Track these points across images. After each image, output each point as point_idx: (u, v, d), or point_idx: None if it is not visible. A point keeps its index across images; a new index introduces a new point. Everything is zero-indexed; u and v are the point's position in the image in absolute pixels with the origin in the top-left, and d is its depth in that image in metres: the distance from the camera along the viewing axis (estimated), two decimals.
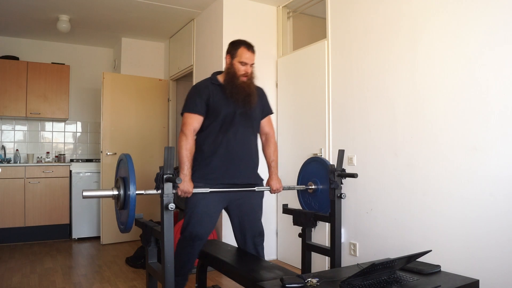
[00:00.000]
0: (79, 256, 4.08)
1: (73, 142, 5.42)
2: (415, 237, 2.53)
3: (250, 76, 2.50)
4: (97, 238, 4.70)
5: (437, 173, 2.42)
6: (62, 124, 5.34)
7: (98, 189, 1.83)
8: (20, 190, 4.52)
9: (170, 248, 1.97)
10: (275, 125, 3.96)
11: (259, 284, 1.71)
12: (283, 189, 2.63)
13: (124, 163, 2.01)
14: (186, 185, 2.28)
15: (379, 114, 2.83)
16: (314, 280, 1.69)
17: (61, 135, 5.35)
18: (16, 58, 4.87)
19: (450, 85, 2.36)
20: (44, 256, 3.97)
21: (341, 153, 2.46)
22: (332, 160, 3.24)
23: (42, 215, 4.61)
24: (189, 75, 4.59)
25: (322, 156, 3.33)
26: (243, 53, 2.47)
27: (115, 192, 1.96)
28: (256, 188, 2.48)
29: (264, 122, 2.63)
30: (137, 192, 1.90)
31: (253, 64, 2.53)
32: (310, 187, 2.71)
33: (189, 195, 2.28)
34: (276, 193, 2.78)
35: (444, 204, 2.37)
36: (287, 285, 1.64)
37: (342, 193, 2.42)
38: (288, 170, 3.78)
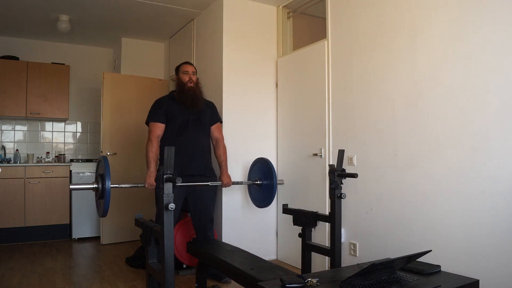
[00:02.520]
0: (79, 256, 4.08)
1: (73, 142, 5.42)
2: (415, 237, 2.53)
3: (195, 82, 3.22)
4: (97, 238, 4.69)
5: (437, 173, 2.42)
6: (62, 124, 5.34)
7: (82, 183, 2.80)
8: (20, 190, 4.52)
9: (170, 248, 1.97)
10: (275, 125, 3.96)
11: (259, 284, 1.71)
12: (233, 183, 3.28)
13: (102, 163, 2.50)
14: (152, 179, 2.95)
15: (379, 114, 2.83)
16: (314, 280, 1.69)
17: (61, 135, 5.35)
18: (16, 58, 4.87)
19: (450, 85, 2.36)
20: (44, 256, 3.97)
21: (341, 153, 2.46)
22: (332, 160, 3.24)
23: (42, 215, 4.61)
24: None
25: (322, 156, 3.33)
26: (183, 67, 3.25)
27: (95, 186, 2.50)
28: (210, 183, 3.14)
29: (213, 128, 3.31)
30: (112, 185, 2.49)
31: (194, 72, 3.24)
32: (256, 182, 3.36)
33: (154, 187, 2.88)
34: (226, 187, 3.30)
35: (444, 204, 2.37)
36: (287, 285, 1.64)
37: (342, 193, 2.43)
38: (289, 170, 3.78)
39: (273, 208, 3.91)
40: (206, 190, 3.19)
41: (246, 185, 3.61)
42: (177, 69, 3.31)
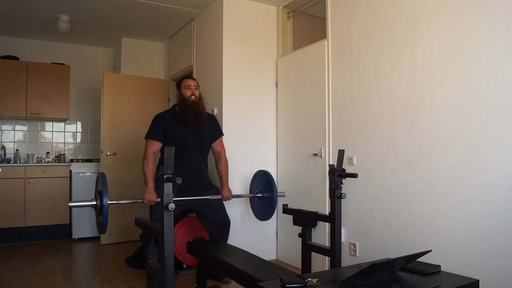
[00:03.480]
0: (79, 256, 4.08)
1: (73, 142, 5.42)
2: (415, 237, 2.53)
3: (198, 97, 3.18)
4: (97, 238, 4.70)
5: (437, 173, 2.42)
6: (62, 124, 5.34)
7: (81, 201, 2.69)
8: (20, 190, 4.52)
9: (170, 248, 1.97)
10: (275, 125, 3.96)
11: (259, 284, 1.71)
12: (233, 197, 3.27)
13: (100, 180, 2.54)
14: (151, 195, 3.02)
15: (379, 114, 2.83)
16: (314, 280, 1.69)
17: (61, 135, 5.35)
18: (16, 58, 4.87)
19: (450, 85, 2.36)
20: (44, 256, 3.97)
21: (341, 153, 2.46)
22: (332, 160, 3.24)
23: (42, 215, 4.61)
24: (189, 75, 4.59)
25: (322, 156, 3.33)
26: (185, 81, 3.20)
27: (94, 203, 2.50)
28: (210, 197, 3.14)
29: (215, 144, 3.30)
30: (110, 202, 2.56)
31: (196, 87, 3.20)
32: (257, 195, 3.32)
33: (153, 203, 3.01)
34: (227, 200, 3.27)
35: (444, 204, 2.37)
36: (287, 285, 1.64)
37: (342, 193, 2.43)
38: (289, 170, 3.78)
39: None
40: (211, 193, 3.22)
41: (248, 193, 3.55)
42: (179, 83, 3.26)
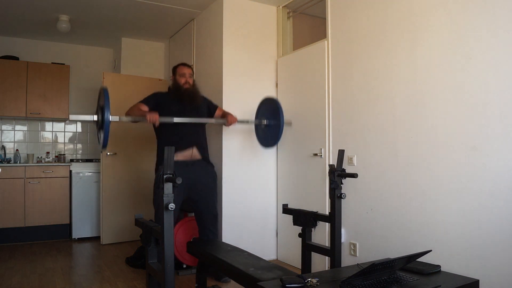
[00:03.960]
0: (79, 256, 4.08)
1: (73, 142, 5.42)
2: (415, 237, 2.53)
3: (192, 84, 3.27)
4: (97, 238, 4.69)
5: (437, 173, 2.42)
6: (62, 124, 5.34)
7: (83, 115, 2.79)
8: (20, 190, 4.52)
9: (170, 248, 1.97)
10: None
11: (259, 284, 1.71)
12: (239, 122, 3.34)
13: (102, 95, 2.53)
14: (153, 114, 2.92)
15: (379, 114, 2.83)
16: (314, 280, 1.69)
17: (61, 135, 5.35)
18: (16, 58, 4.87)
19: (450, 84, 2.36)
20: (44, 256, 3.97)
21: (341, 153, 2.46)
22: (332, 160, 3.24)
23: (42, 215, 4.61)
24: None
25: (322, 156, 3.33)
26: (180, 69, 3.28)
27: (95, 118, 2.60)
28: (214, 120, 3.33)
29: (218, 112, 3.41)
30: (111, 117, 2.57)
31: (191, 74, 3.29)
32: (263, 123, 3.40)
33: (156, 122, 2.94)
34: (232, 124, 3.30)
35: (444, 204, 2.37)
36: (287, 285, 1.64)
37: (342, 193, 2.42)
38: (289, 170, 3.78)
39: (273, 208, 3.92)
40: (207, 185, 3.24)
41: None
42: (174, 70, 3.35)
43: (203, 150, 3.28)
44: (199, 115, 3.28)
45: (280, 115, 3.25)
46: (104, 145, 2.62)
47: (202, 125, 3.36)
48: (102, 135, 2.57)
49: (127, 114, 3.10)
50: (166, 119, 3.00)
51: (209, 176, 3.28)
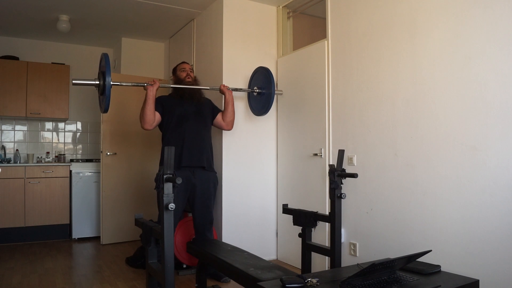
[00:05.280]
0: (79, 256, 4.08)
1: (73, 142, 5.42)
2: (415, 237, 2.53)
3: (193, 78, 3.36)
4: (97, 238, 4.69)
5: (437, 173, 2.42)
6: (62, 124, 5.34)
7: (85, 79, 2.80)
8: (20, 190, 4.52)
9: (170, 248, 1.97)
10: (275, 125, 3.96)
11: (259, 284, 1.71)
12: (232, 90, 3.40)
13: (103, 61, 2.64)
14: (151, 83, 3.06)
15: (379, 114, 2.83)
16: (314, 280, 1.69)
17: (61, 135, 5.35)
18: (16, 58, 4.87)
19: (450, 84, 2.36)
20: (44, 256, 3.97)
21: (341, 153, 2.46)
22: (332, 160, 3.24)
23: (42, 215, 4.61)
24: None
25: (322, 156, 3.33)
26: (180, 65, 3.39)
27: (97, 82, 2.72)
28: (210, 87, 3.43)
29: (219, 116, 3.41)
30: (112, 82, 2.69)
31: (191, 69, 3.39)
32: (255, 90, 3.52)
33: (156, 85, 3.06)
34: (225, 90, 3.35)
35: (444, 204, 2.37)
36: (287, 285, 1.64)
37: (342, 193, 2.42)
38: (289, 170, 3.78)
39: (273, 208, 3.92)
40: (207, 191, 3.22)
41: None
42: (174, 69, 3.42)
43: (208, 158, 3.25)
44: (202, 115, 3.28)
45: (271, 83, 3.37)
46: (106, 110, 2.75)
47: (208, 130, 3.34)
48: (104, 100, 2.70)
49: (141, 113, 3.13)
50: (166, 85, 3.27)
51: (210, 181, 3.25)
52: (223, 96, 3.43)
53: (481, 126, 2.20)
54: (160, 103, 3.19)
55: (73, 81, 2.68)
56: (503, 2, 2.10)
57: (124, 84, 3.04)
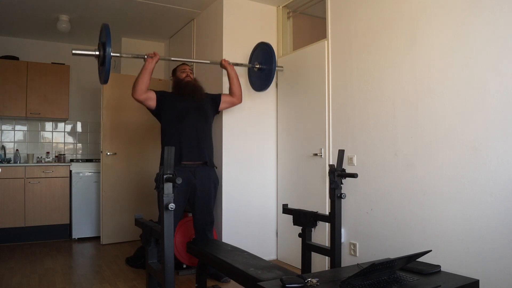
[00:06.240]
0: (79, 256, 4.08)
1: (73, 142, 5.42)
2: (415, 237, 2.53)
3: (193, 79, 3.35)
4: (97, 238, 4.69)
5: (437, 173, 2.42)
6: (62, 124, 5.34)
7: (85, 50, 2.78)
8: (20, 190, 4.52)
9: (170, 248, 1.97)
10: (275, 125, 3.96)
11: (259, 284, 1.71)
12: (233, 64, 3.43)
13: (104, 32, 2.65)
14: (151, 55, 3.07)
15: (379, 114, 2.83)
16: (314, 280, 1.69)
17: (61, 135, 5.35)
18: (16, 58, 4.87)
19: (450, 84, 2.36)
20: (44, 256, 3.97)
21: (341, 153, 2.46)
22: (332, 160, 3.24)
23: (42, 215, 4.61)
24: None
25: (322, 156, 3.33)
26: (179, 67, 3.39)
27: (97, 53, 2.72)
28: (210, 61, 3.50)
29: (224, 97, 3.43)
30: (113, 54, 2.69)
31: (191, 71, 3.37)
32: (256, 66, 3.55)
33: (156, 57, 3.07)
34: (226, 65, 3.39)
35: (444, 204, 2.37)
36: (287, 285, 1.64)
37: (342, 193, 2.42)
38: (289, 170, 3.78)
39: (273, 208, 3.92)
40: (208, 191, 3.20)
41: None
42: (174, 70, 3.43)
43: (209, 154, 3.24)
44: (203, 110, 3.27)
45: (273, 58, 3.39)
46: (105, 80, 2.75)
47: (209, 125, 3.33)
48: (103, 71, 2.71)
49: (135, 81, 3.11)
50: (166, 58, 3.37)
51: (211, 181, 3.23)
52: (226, 71, 3.45)
53: (481, 126, 2.20)
54: (160, 94, 3.19)
55: (73, 51, 2.67)
56: (503, 3, 2.10)
57: (124, 55, 3.11)
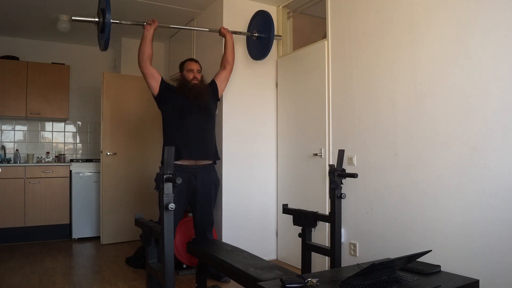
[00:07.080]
0: (79, 256, 4.08)
1: (73, 142, 5.42)
2: (415, 237, 2.53)
3: (200, 79, 3.22)
4: (97, 238, 4.69)
5: (437, 173, 2.42)
6: (62, 124, 5.34)
7: (85, 16, 2.82)
8: (20, 190, 4.52)
9: (170, 248, 1.97)
10: (275, 125, 3.96)
11: (259, 284, 1.71)
12: (232, 33, 3.41)
13: None
14: (150, 22, 3.09)
15: (379, 114, 2.83)
16: (314, 280, 1.69)
17: (61, 135, 5.35)
18: (16, 58, 4.87)
19: (450, 84, 2.36)
20: (44, 256, 3.97)
21: (341, 153, 2.46)
22: (332, 160, 3.24)
23: (42, 215, 4.61)
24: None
25: (322, 156, 3.33)
26: (188, 64, 3.25)
27: (96, 19, 2.72)
28: (209, 29, 3.49)
29: (218, 78, 3.36)
30: (112, 21, 2.70)
31: (199, 70, 3.25)
32: (255, 34, 3.54)
33: (154, 24, 3.11)
34: (226, 33, 3.39)
35: (444, 204, 2.37)
36: (287, 285, 1.64)
37: (342, 193, 2.42)
38: (289, 170, 3.78)
39: (273, 208, 3.92)
40: (208, 193, 3.17)
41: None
42: (181, 65, 3.30)
43: (212, 150, 3.19)
44: (206, 110, 3.19)
45: (271, 27, 3.38)
46: (105, 47, 2.77)
47: (212, 122, 3.26)
48: (103, 37, 2.71)
49: (138, 51, 3.20)
50: (165, 25, 3.32)
51: (211, 183, 3.19)
52: (224, 39, 3.43)
53: (481, 126, 2.20)
54: (165, 85, 3.15)
55: (73, 18, 2.69)
56: (503, 2, 2.10)
57: (123, 22, 3.08)
